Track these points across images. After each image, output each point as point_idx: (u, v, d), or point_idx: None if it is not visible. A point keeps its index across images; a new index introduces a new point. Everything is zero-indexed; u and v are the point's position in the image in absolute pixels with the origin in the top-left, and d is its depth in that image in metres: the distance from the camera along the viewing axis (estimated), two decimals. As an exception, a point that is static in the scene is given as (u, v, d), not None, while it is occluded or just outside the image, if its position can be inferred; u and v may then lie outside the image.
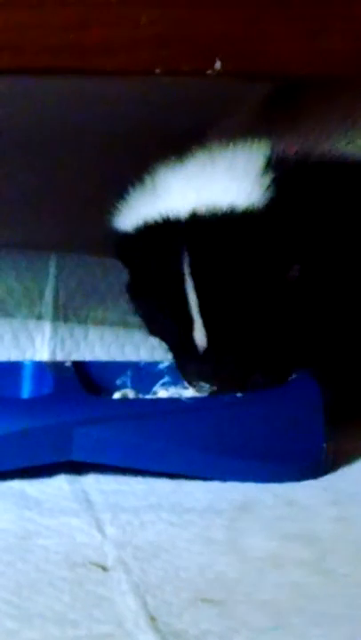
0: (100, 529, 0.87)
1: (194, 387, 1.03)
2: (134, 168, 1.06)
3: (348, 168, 1.04)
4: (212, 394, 1.02)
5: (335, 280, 1.03)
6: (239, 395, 1.02)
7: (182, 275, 1.00)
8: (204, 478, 0.98)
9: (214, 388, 1.02)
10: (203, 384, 1.02)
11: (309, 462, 1.00)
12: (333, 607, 0.75)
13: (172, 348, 1.06)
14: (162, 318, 1.04)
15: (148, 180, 1.05)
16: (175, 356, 1.06)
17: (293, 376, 1.04)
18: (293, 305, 1.02)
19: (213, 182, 1.01)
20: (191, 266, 0.99)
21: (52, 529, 0.87)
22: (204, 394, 1.02)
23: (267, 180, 1.00)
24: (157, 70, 0.94)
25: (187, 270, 1.00)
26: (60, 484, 0.97)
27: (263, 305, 1.01)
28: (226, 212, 0.99)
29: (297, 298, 1.02)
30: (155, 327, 1.07)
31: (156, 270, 1.02)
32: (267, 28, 0.96)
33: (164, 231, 1.01)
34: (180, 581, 0.78)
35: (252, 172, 1.01)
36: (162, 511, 0.91)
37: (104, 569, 0.80)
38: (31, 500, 0.93)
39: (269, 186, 1.00)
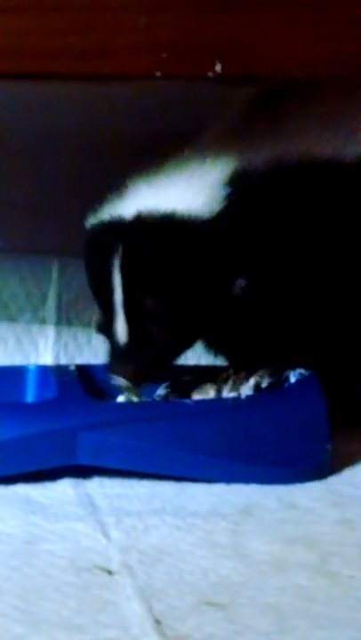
0: (105, 533, 0.88)
1: (116, 380, 1.05)
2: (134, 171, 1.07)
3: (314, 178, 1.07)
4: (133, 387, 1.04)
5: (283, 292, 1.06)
6: (243, 397, 1.03)
7: (112, 270, 1.02)
8: (208, 481, 0.98)
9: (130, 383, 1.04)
10: (118, 378, 1.04)
11: (314, 464, 1.01)
12: (338, 610, 0.75)
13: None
14: (101, 314, 1.07)
15: (120, 183, 1.07)
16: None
17: (296, 378, 1.05)
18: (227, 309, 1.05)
19: (165, 189, 1.04)
20: (121, 262, 1.02)
21: (58, 533, 0.88)
22: (127, 386, 1.04)
23: (220, 192, 1.03)
24: (158, 74, 0.95)
25: (116, 266, 1.02)
26: (65, 488, 0.97)
27: (190, 307, 1.03)
28: (164, 216, 1.02)
29: (237, 307, 1.05)
30: (100, 324, 1.09)
31: (93, 267, 1.06)
32: (267, 31, 0.96)
33: (107, 229, 1.05)
34: (185, 585, 0.79)
35: (207, 183, 1.04)
36: (166, 515, 0.91)
37: (109, 573, 0.81)
38: (36, 504, 0.93)
39: (223, 198, 1.03)
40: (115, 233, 1.04)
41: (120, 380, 1.04)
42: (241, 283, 1.04)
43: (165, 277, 1.02)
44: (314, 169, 1.06)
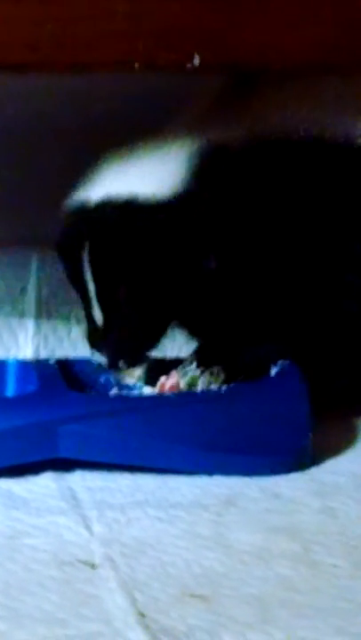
0: (88, 527, 0.88)
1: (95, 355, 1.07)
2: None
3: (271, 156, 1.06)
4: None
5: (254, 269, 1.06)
6: (223, 388, 1.03)
7: (82, 261, 1.03)
8: (190, 473, 0.98)
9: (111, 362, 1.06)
10: (99, 354, 1.06)
11: (296, 454, 1.01)
12: (320, 599, 0.76)
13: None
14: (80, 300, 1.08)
15: (90, 170, 1.07)
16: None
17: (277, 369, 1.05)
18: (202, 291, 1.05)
19: (131, 174, 1.04)
20: (90, 252, 1.03)
21: (40, 528, 0.87)
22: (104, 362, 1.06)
23: (182, 172, 1.03)
24: (136, 64, 0.95)
25: (86, 258, 1.03)
26: (47, 482, 0.97)
27: (160, 288, 1.04)
28: (127, 201, 1.02)
29: (210, 285, 1.05)
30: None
31: (65, 257, 1.07)
32: (245, 19, 0.96)
33: (76, 219, 1.05)
34: (168, 577, 0.79)
35: (168, 165, 1.04)
36: (148, 507, 0.91)
37: (92, 567, 0.80)
38: (18, 499, 0.93)
39: (185, 177, 1.03)
40: (82, 222, 1.04)
41: (98, 356, 1.05)
42: (210, 262, 1.04)
43: (133, 261, 1.03)
44: (296, 146, 1.06)
